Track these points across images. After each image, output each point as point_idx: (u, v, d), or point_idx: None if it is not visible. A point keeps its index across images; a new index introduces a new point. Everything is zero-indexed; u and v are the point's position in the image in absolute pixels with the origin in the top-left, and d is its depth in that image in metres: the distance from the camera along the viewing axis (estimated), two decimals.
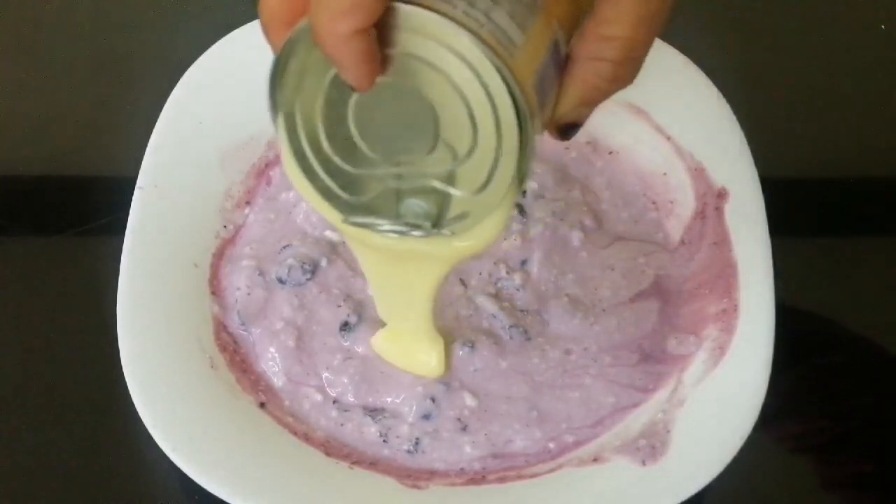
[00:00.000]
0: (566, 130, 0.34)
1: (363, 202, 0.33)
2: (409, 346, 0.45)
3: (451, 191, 0.32)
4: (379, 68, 0.29)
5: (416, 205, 0.33)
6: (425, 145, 0.31)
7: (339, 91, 0.30)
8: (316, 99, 0.31)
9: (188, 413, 0.41)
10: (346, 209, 0.34)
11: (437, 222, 0.33)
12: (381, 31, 0.28)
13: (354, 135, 0.32)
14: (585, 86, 0.32)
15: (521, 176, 0.31)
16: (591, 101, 0.33)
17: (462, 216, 0.33)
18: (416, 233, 0.34)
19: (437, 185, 0.32)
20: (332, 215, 0.34)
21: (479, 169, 0.31)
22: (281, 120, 0.32)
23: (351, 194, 0.33)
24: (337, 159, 0.32)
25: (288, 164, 0.33)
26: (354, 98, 0.31)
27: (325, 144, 0.32)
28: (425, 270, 0.39)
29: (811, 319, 0.51)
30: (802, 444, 0.48)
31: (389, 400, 0.45)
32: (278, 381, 0.45)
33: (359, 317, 0.46)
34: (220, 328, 0.46)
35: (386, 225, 0.34)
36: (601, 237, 0.50)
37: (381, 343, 0.45)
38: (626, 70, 0.32)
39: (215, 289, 0.47)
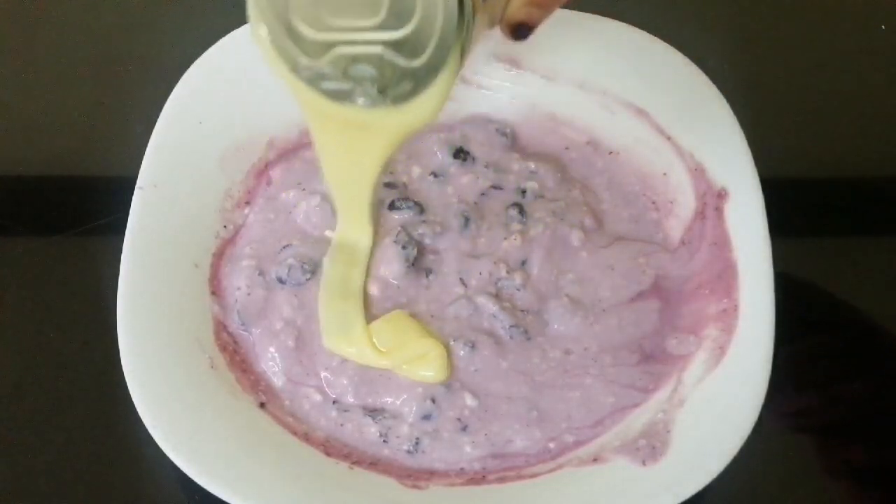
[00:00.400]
0: (517, 30, 0.36)
1: (318, 67, 0.36)
2: (411, 361, 0.45)
3: (396, 58, 0.35)
4: None
5: (364, 70, 0.36)
6: (375, 12, 0.34)
7: None
8: None
9: (188, 413, 0.41)
10: (303, 73, 0.37)
11: (382, 91, 0.36)
12: None
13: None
14: None
15: (463, 46, 0.34)
16: (541, 3, 0.35)
17: (405, 86, 0.36)
18: (360, 100, 0.36)
19: (384, 52, 0.35)
20: (287, 74, 0.37)
21: (422, 38, 0.34)
22: None
23: (309, 57, 0.36)
24: (298, 22, 0.36)
25: (254, 25, 0.37)
26: None
27: (289, 5, 0.35)
28: (371, 145, 0.40)
29: (811, 319, 0.51)
30: (804, 424, 0.48)
31: (389, 401, 0.45)
32: (278, 381, 0.45)
33: None
34: (220, 328, 0.46)
35: (333, 84, 0.36)
36: (601, 237, 0.50)
37: (379, 361, 0.45)
38: None
39: (215, 289, 0.47)
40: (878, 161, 0.58)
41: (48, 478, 0.45)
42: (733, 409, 0.42)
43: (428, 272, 0.48)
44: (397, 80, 0.36)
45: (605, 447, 0.43)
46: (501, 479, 0.43)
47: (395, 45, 0.35)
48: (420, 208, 0.49)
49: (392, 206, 0.49)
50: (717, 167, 0.49)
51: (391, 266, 0.47)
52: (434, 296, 0.47)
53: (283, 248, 0.48)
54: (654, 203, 0.51)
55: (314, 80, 0.36)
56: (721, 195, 0.48)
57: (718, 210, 0.48)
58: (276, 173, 0.51)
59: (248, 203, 0.50)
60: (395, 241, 0.48)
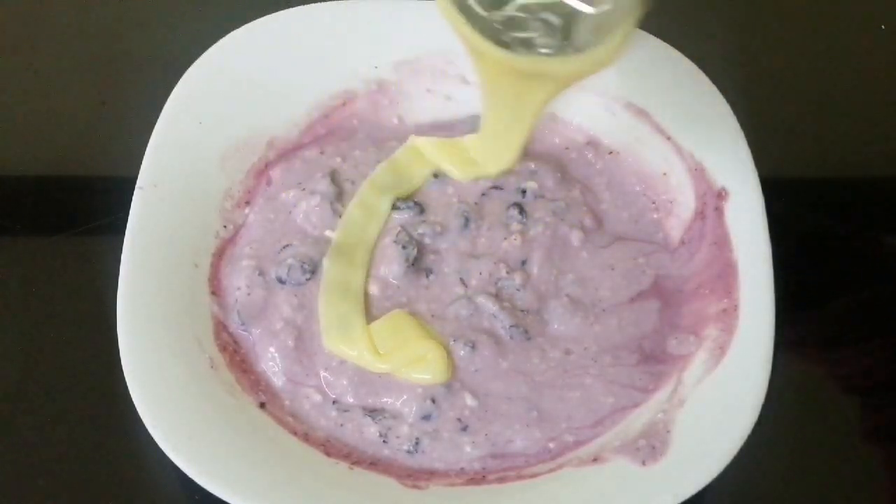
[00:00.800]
0: None
1: (496, 18, 0.36)
2: (410, 364, 0.45)
3: (582, 5, 0.34)
4: None
5: (546, 17, 0.35)
6: None
7: None
8: None
9: (188, 413, 0.41)
10: (481, 25, 0.36)
11: (565, 38, 0.35)
12: None
13: None
14: None
15: None
16: None
17: (587, 33, 0.35)
18: (545, 49, 0.36)
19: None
20: (468, 31, 0.37)
21: None
22: None
23: (486, 9, 0.36)
24: None
25: None
26: None
27: None
28: (542, 90, 0.41)
29: (811, 319, 0.51)
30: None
31: (389, 401, 0.45)
32: (278, 381, 0.45)
33: None
34: (220, 328, 0.46)
35: (512, 33, 0.36)
36: (601, 237, 0.50)
37: (378, 365, 0.45)
38: None
39: (215, 289, 0.47)
40: (878, 161, 0.58)
41: (48, 478, 0.45)
42: (733, 409, 0.42)
43: (428, 272, 0.48)
44: (579, 27, 0.35)
45: (605, 447, 0.43)
46: (501, 479, 0.43)
47: None
48: (420, 208, 0.49)
49: (392, 206, 0.49)
50: (717, 167, 0.49)
51: (391, 266, 0.48)
52: (434, 296, 0.47)
53: (283, 248, 0.48)
54: (654, 203, 0.51)
55: (491, 31, 0.36)
56: (721, 195, 0.48)
57: (718, 210, 0.48)
58: (276, 173, 0.51)
59: (248, 203, 0.50)
60: (395, 241, 0.48)
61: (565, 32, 0.35)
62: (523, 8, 0.35)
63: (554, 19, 0.35)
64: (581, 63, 0.38)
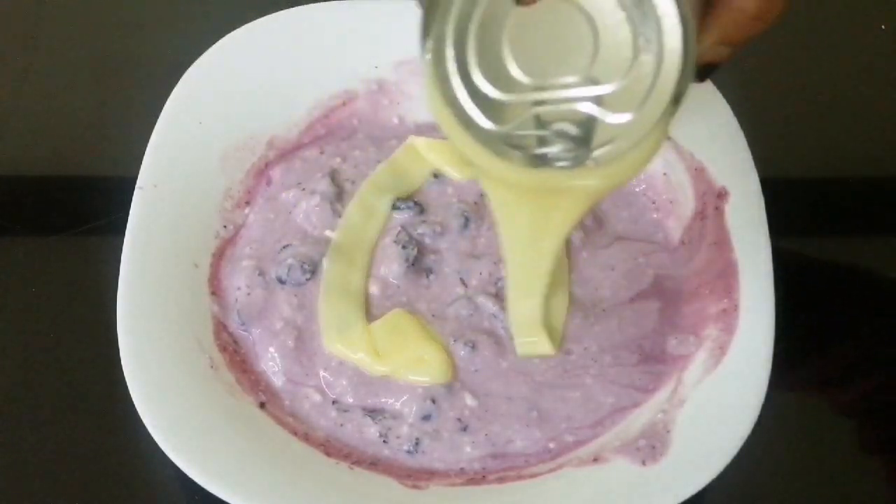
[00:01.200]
0: (704, 71, 0.33)
1: (503, 131, 0.32)
2: (409, 365, 0.45)
3: (603, 114, 0.31)
4: None
5: (562, 128, 0.32)
6: (579, 66, 0.31)
7: (498, 6, 0.30)
8: (471, 19, 0.31)
9: (188, 413, 0.41)
10: (485, 139, 0.33)
11: (582, 150, 0.32)
12: None
13: (507, 55, 0.31)
14: (726, 22, 0.32)
15: (678, 97, 0.31)
16: (732, 41, 0.32)
17: (610, 142, 0.32)
18: (560, 163, 0.32)
19: (587, 108, 0.31)
20: (470, 146, 0.33)
21: (634, 91, 0.31)
22: (430, 44, 0.31)
23: (492, 122, 0.32)
24: (483, 83, 0.32)
25: (430, 92, 0.33)
26: (512, 16, 0.31)
27: (474, 67, 0.32)
28: (561, 210, 0.37)
29: (811, 319, 0.51)
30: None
31: (389, 401, 0.45)
32: (278, 381, 0.45)
33: None
34: (220, 328, 0.46)
35: (524, 149, 0.32)
36: (601, 237, 0.50)
37: (377, 368, 0.45)
38: (770, 5, 0.32)
39: (215, 289, 0.47)
40: (878, 161, 0.58)
41: (48, 478, 0.45)
42: (733, 409, 0.42)
43: (428, 272, 0.48)
44: (600, 138, 0.32)
45: (605, 447, 0.43)
46: (501, 479, 0.43)
47: (600, 101, 0.31)
48: (420, 208, 0.49)
49: (392, 206, 0.49)
50: (717, 167, 0.49)
51: (391, 266, 0.48)
52: (434, 296, 0.47)
53: (283, 248, 0.48)
54: (654, 203, 0.51)
55: (499, 147, 0.33)
56: (721, 195, 0.48)
57: (718, 210, 0.48)
58: (276, 173, 0.51)
59: (248, 203, 0.50)
60: (395, 241, 0.48)
61: (585, 141, 0.32)
62: (535, 120, 0.32)
63: (571, 129, 0.31)
64: (601, 177, 0.34)
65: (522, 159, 0.33)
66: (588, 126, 0.32)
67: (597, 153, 0.32)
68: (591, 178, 0.34)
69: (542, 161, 0.33)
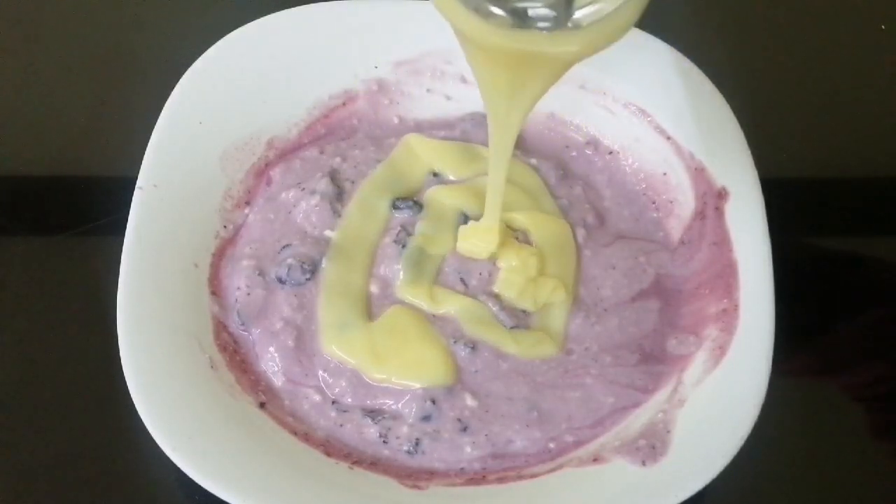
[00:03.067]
0: None
1: None
2: (409, 367, 0.45)
3: None
4: None
5: None
6: None
7: None
8: None
9: (188, 413, 0.41)
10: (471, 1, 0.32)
11: (563, 10, 0.31)
12: None
13: None
14: None
15: None
16: None
17: (591, 3, 0.31)
18: (541, 23, 0.32)
19: None
20: (453, 7, 0.33)
21: None
22: None
23: None
24: None
25: None
26: None
27: None
28: (538, 75, 0.37)
29: (811, 319, 0.51)
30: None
31: (389, 402, 0.45)
32: (278, 381, 0.45)
33: None
34: (220, 328, 0.46)
35: (506, 9, 0.32)
36: (603, 235, 0.50)
37: (376, 373, 0.45)
38: None
39: (215, 289, 0.47)
40: (878, 161, 0.58)
41: (48, 478, 0.45)
42: (733, 409, 0.42)
43: None
44: (582, 1, 0.31)
45: (605, 447, 0.43)
46: (501, 479, 0.43)
47: None
48: (420, 208, 0.49)
49: (392, 206, 0.49)
50: (717, 167, 0.49)
51: (391, 266, 0.47)
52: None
53: (283, 247, 0.48)
54: (654, 203, 0.51)
55: (482, 9, 0.32)
56: (721, 195, 0.48)
57: (718, 210, 0.48)
58: (276, 173, 0.51)
59: (247, 203, 0.50)
60: (395, 241, 0.48)
61: (564, 6, 0.31)
62: None
63: None
64: (580, 43, 0.33)
65: (503, 20, 0.32)
66: None
67: (578, 14, 0.32)
68: (570, 44, 0.33)
69: (522, 20, 0.32)
